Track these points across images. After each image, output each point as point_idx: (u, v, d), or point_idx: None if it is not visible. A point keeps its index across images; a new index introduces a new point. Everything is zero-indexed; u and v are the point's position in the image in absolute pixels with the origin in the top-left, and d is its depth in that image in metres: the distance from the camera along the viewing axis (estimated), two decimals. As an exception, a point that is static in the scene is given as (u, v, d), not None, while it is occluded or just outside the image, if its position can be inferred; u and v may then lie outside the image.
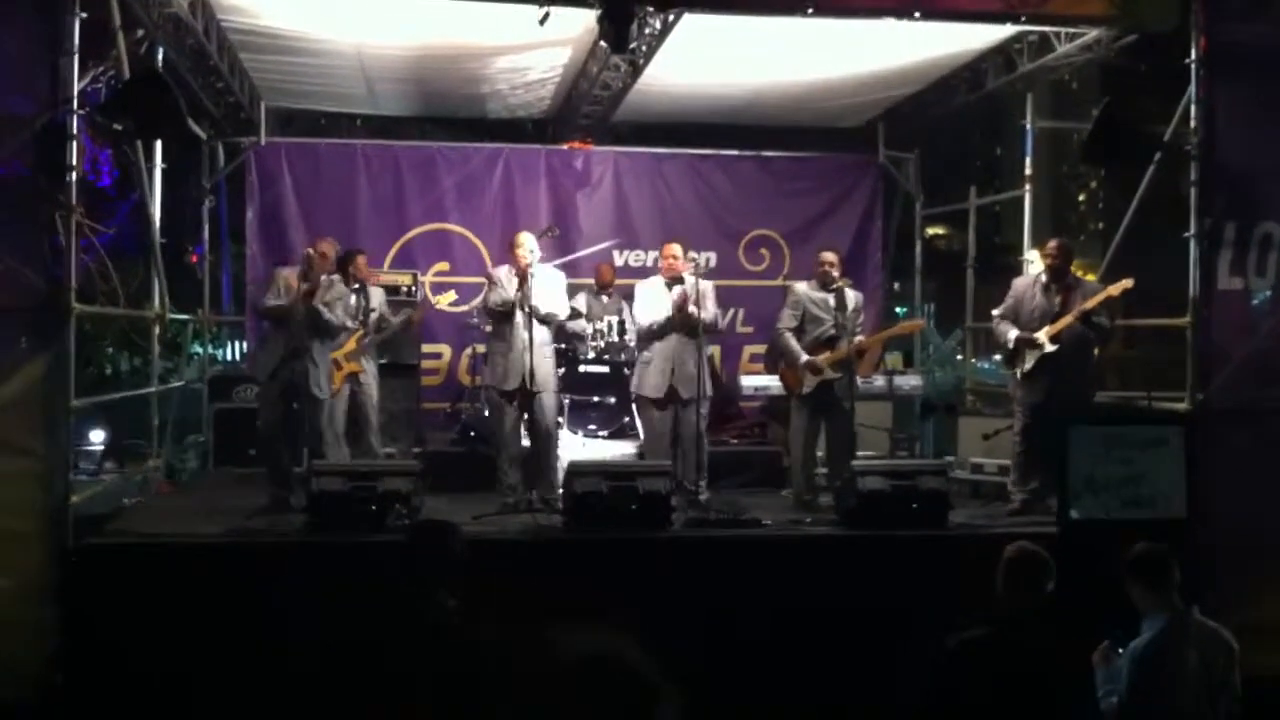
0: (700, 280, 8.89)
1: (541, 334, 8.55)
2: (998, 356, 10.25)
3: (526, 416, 8.60)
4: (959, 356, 14.38)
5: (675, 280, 8.85)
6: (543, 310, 8.52)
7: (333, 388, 8.76)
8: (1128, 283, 8.29)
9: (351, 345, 9.25)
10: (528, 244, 8.59)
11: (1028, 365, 8.46)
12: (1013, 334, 8.54)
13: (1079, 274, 9.29)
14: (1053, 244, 8.78)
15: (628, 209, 12.58)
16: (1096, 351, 9.10)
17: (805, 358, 8.78)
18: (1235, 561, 7.19)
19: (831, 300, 8.87)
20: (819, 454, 9.17)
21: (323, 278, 8.49)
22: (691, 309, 8.69)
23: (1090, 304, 8.26)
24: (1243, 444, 7.70)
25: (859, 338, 8.89)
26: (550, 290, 8.69)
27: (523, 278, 8.46)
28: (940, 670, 4.56)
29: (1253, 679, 5.16)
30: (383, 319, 9.65)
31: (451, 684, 3.79)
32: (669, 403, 8.77)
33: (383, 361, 9.87)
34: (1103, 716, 4.97)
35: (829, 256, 9.05)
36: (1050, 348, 8.34)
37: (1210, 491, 7.37)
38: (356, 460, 8.81)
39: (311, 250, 8.53)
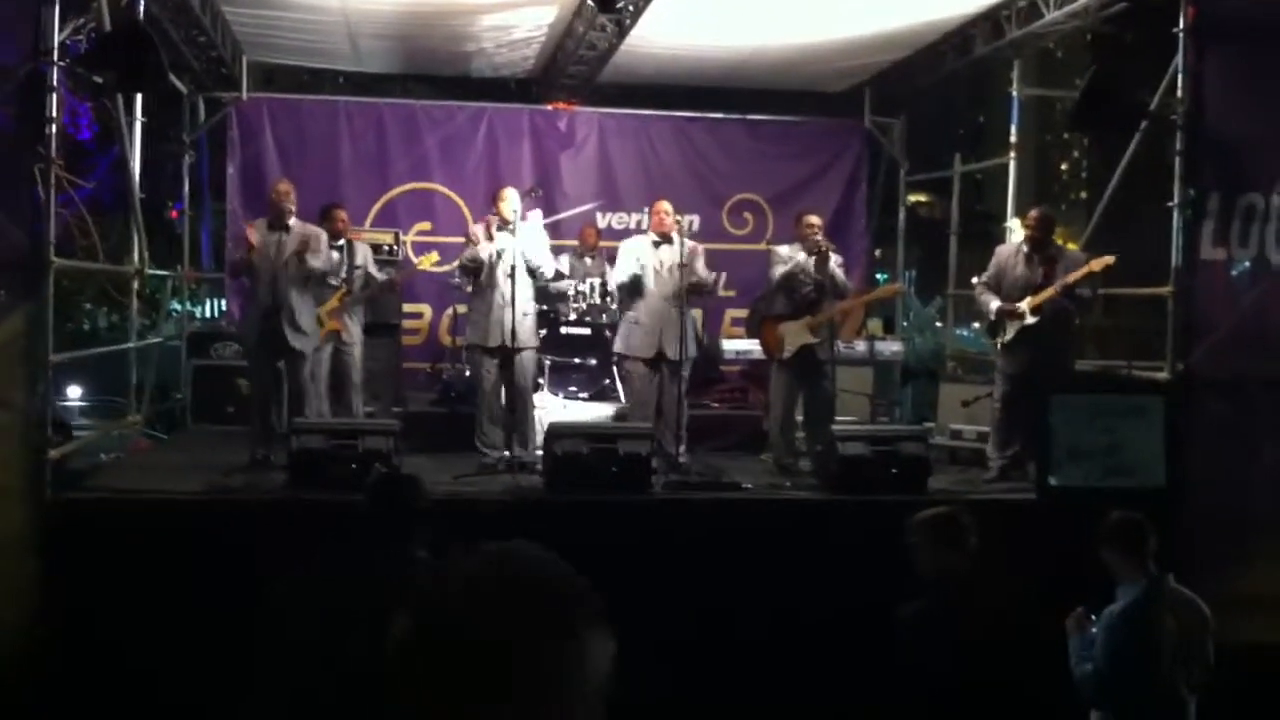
0: (688, 240, 8.92)
1: (522, 291, 8.54)
2: (978, 324, 10.26)
3: (506, 375, 8.59)
4: (939, 323, 14.43)
5: (664, 238, 8.81)
6: (534, 262, 8.52)
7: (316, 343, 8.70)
8: (1109, 259, 8.26)
9: (334, 303, 9.15)
10: (512, 200, 8.57)
11: (1009, 335, 8.46)
12: (994, 304, 8.53)
13: (1061, 243, 9.29)
14: (1033, 214, 8.77)
15: (612, 171, 12.51)
16: (1077, 321, 9.13)
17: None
18: (1214, 531, 7.23)
19: (813, 263, 8.85)
20: (798, 418, 9.18)
21: (307, 226, 8.43)
22: (700, 274, 8.78)
23: (1072, 278, 8.24)
24: (1223, 414, 7.72)
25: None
26: (535, 244, 8.68)
27: (489, 233, 8.47)
28: (898, 642, 4.57)
29: (1230, 648, 5.20)
30: (369, 277, 9.57)
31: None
32: (655, 364, 8.75)
33: (365, 321, 9.80)
34: (1075, 682, 5.00)
35: (813, 219, 9.03)
36: (1031, 319, 8.33)
37: (1190, 461, 7.40)
38: (337, 419, 8.77)
39: (275, 198, 8.42)
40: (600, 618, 1.42)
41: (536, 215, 9.33)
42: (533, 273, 8.60)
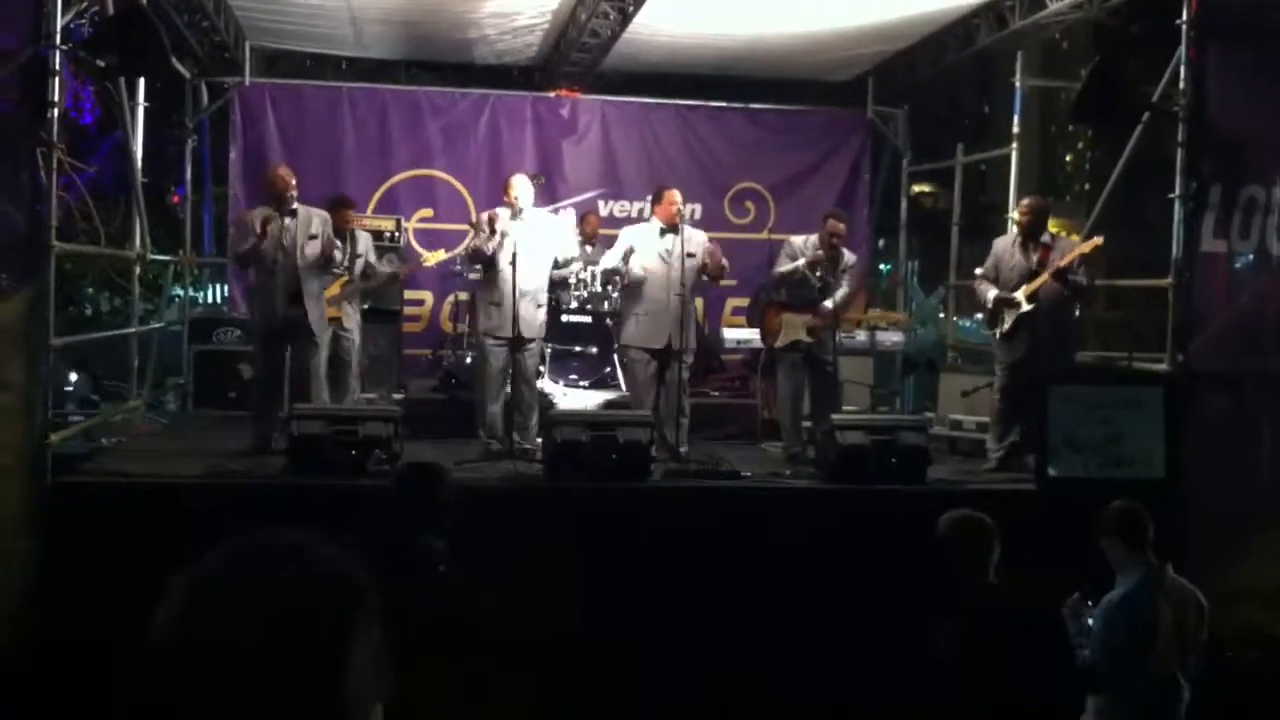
0: (703, 238, 8.96)
1: (534, 281, 8.55)
2: (979, 316, 10.27)
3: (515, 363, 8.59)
4: (940, 314, 14.43)
5: (671, 227, 8.76)
6: (561, 257, 8.86)
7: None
8: (1098, 240, 8.29)
9: (335, 290, 9.18)
10: (517, 187, 8.57)
11: (1007, 325, 8.47)
12: (991, 294, 8.55)
13: (1060, 233, 9.29)
14: (1025, 203, 8.80)
15: (614, 159, 12.52)
16: (1078, 311, 9.13)
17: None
18: (1212, 522, 7.23)
19: (821, 266, 8.84)
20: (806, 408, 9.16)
21: (311, 210, 8.44)
22: (724, 263, 8.84)
23: (1064, 262, 8.26)
24: (1222, 406, 7.74)
25: (841, 291, 8.90)
26: (558, 236, 8.80)
27: (491, 228, 8.47)
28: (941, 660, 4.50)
29: (1225, 637, 5.22)
30: (369, 266, 9.58)
31: (441, 624, 3.78)
32: (660, 354, 8.72)
33: (365, 307, 9.84)
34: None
35: (838, 227, 8.97)
36: (1027, 306, 8.34)
37: (1189, 453, 7.41)
38: (337, 404, 8.78)
39: (281, 185, 8.41)
40: (371, 613, 1.31)
41: (548, 214, 9.39)
42: (558, 265, 8.67)
